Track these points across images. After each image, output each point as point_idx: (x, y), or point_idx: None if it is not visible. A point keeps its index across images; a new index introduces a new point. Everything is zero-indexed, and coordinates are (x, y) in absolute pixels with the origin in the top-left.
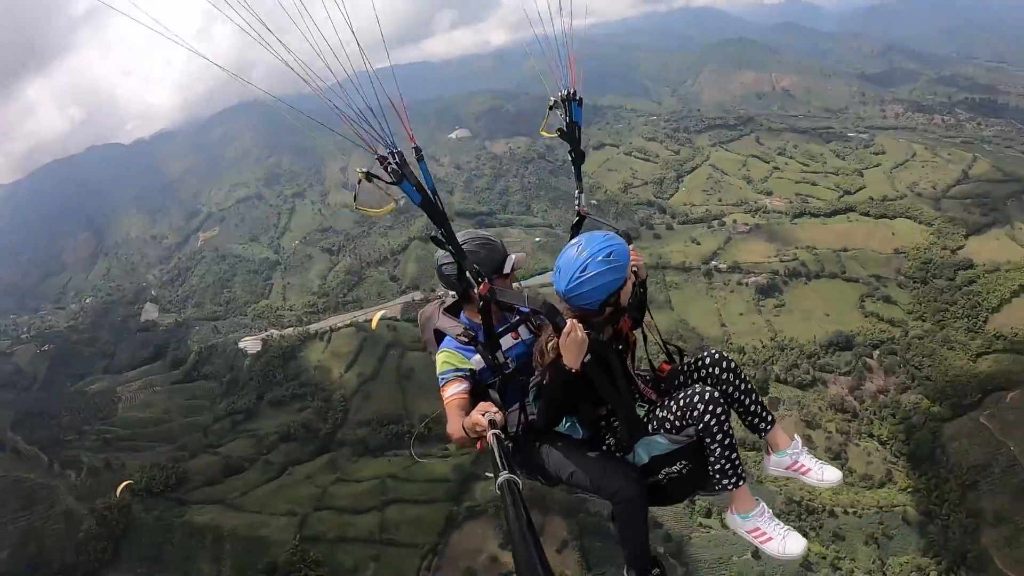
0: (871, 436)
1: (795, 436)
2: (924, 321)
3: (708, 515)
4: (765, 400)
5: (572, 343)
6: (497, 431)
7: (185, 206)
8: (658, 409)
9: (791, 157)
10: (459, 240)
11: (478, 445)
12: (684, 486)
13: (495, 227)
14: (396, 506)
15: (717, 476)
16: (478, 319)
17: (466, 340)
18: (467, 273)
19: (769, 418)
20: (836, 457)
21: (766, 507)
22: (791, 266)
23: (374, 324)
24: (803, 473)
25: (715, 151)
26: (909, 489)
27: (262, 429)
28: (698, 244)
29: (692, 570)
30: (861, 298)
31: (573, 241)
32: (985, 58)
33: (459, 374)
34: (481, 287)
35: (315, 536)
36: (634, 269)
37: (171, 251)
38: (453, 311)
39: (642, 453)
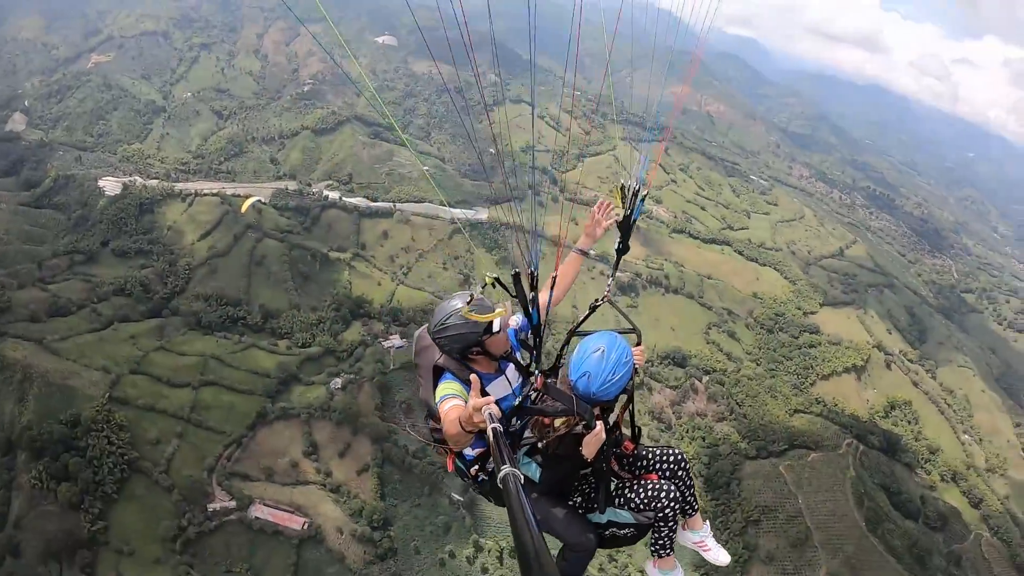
0: None
1: (706, 522)
2: (758, 365)
3: None
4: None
5: (597, 440)
6: (496, 425)
7: (88, 22)
8: (627, 490)
9: (691, 176)
10: (446, 317)
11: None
12: (619, 542)
13: (389, 143)
14: (213, 388)
15: (658, 546)
16: (480, 368)
17: (461, 385)
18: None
19: (696, 506)
20: None
21: (680, 568)
22: (655, 274)
23: (243, 208)
24: (705, 550)
25: (623, 144)
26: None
27: (99, 276)
28: (576, 224)
29: None
30: (709, 325)
31: (594, 346)
32: (899, 159)
33: (460, 402)
34: (537, 381)
35: (125, 399)
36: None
37: (58, 65)
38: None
39: (603, 517)
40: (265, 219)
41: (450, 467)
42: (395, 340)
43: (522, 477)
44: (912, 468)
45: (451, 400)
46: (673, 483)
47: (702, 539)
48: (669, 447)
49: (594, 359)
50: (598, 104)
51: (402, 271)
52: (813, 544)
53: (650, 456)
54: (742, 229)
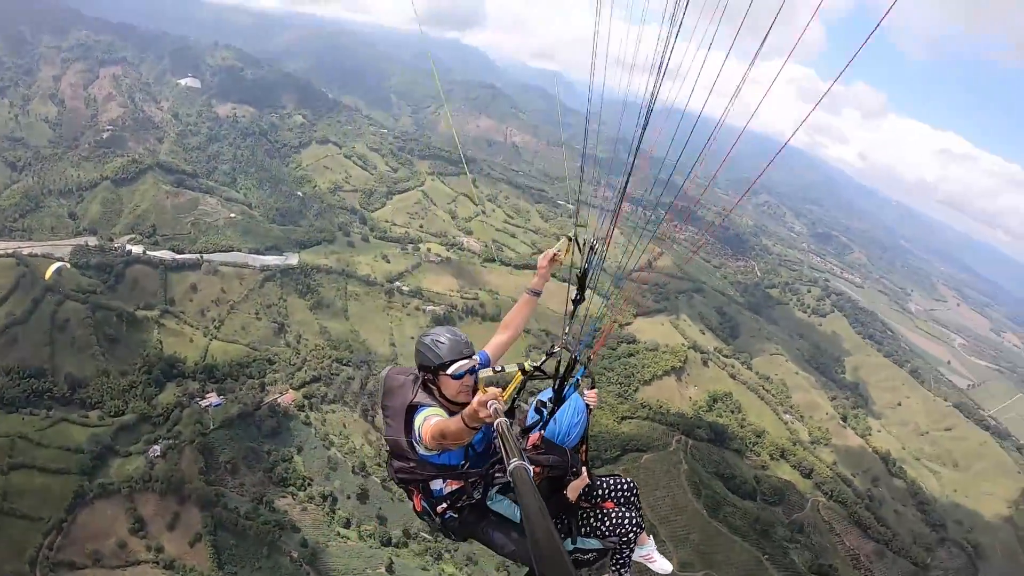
0: None
1: (650, 536)
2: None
3: (347, 525)
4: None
5: (581, 484)
6: (504, 419)
7: None
8: (592, 519)
9: (499, 206)
10: (444, 333)
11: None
12: (582, 565)
13: (194, 191)
14: (23, 471)
15: (619, 566)
16: (444, 403)
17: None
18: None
19: (643, 526)
20: None
21: None
22: (471, 304)
23: (47, 275)
24: (651, 562)
25: (431, 180)
26: None
27: None
28: (388, 262)
29: None
30: (530, 348)
31: (566, 405)
32: (700, 173)
33: (444, 415)
34: (534, 437)
35: None
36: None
37: None
38: (428, 390)
39: (571, 545)
40: (66, 280)
41: (418, 506)
42: (212, 398)
43: (531, 469)
44: (742, 453)
45: (434, 416)
46: (629, 508)
47: (648, 553)
48: (618, 475)
49: (566, 415)
50: (405, 141)
51: (214, 325)
52: (661, 539)
53: (604, 486)
54: None
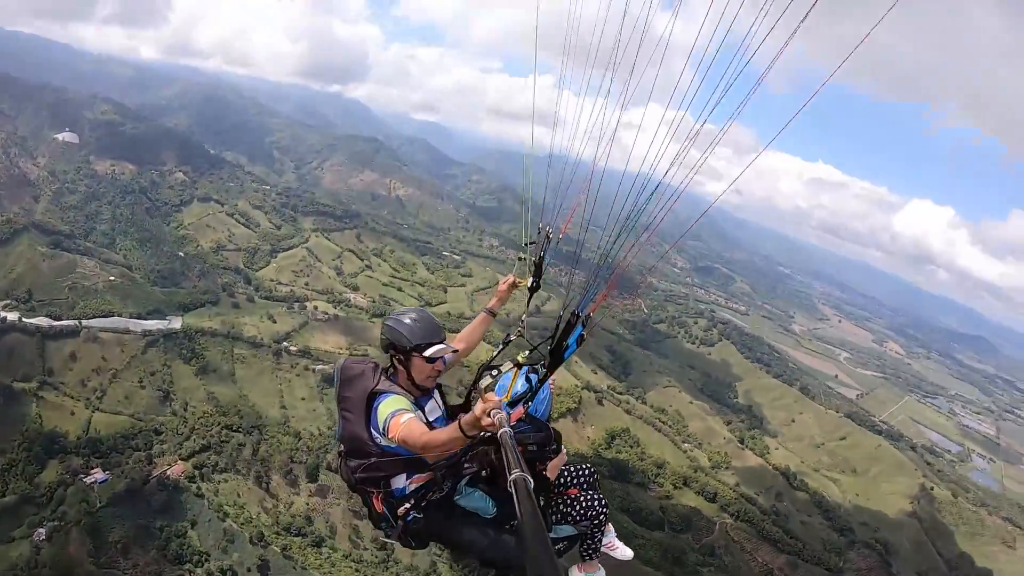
0: None
1: (609, 523)
2: None
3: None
4: None
5: (560, 463)
6: (508, 428)
7: None
8: (563, 505)
9: (385, 260)
10: (411, 312)
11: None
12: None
13: (72, 252)
14: None
15: (589, 551)
16: (410, 387)
17: (411, 403)
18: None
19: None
20: (382, 547)
21: (603, 570)
22: None
23: None
24: (612, 549)
25: (316, 236)
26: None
27: None
28: (274, 322)
29: None
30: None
31: (545, 386)
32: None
33: (413, 413)
34: (518, 411)
35: None
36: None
37: None
38: (391, 376)
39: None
40: None
41: (379, 507)
42: (97, 474)
43: (532, 482)
44: (644, 485)
45: (406, 413)
46: (596, 492)
47: (610, 540)
48: (580, 464)
49: (544, 395)
50: (289, 197)
51: (96, 396)
52: None
53: (566, 473)
54: (441, 304)
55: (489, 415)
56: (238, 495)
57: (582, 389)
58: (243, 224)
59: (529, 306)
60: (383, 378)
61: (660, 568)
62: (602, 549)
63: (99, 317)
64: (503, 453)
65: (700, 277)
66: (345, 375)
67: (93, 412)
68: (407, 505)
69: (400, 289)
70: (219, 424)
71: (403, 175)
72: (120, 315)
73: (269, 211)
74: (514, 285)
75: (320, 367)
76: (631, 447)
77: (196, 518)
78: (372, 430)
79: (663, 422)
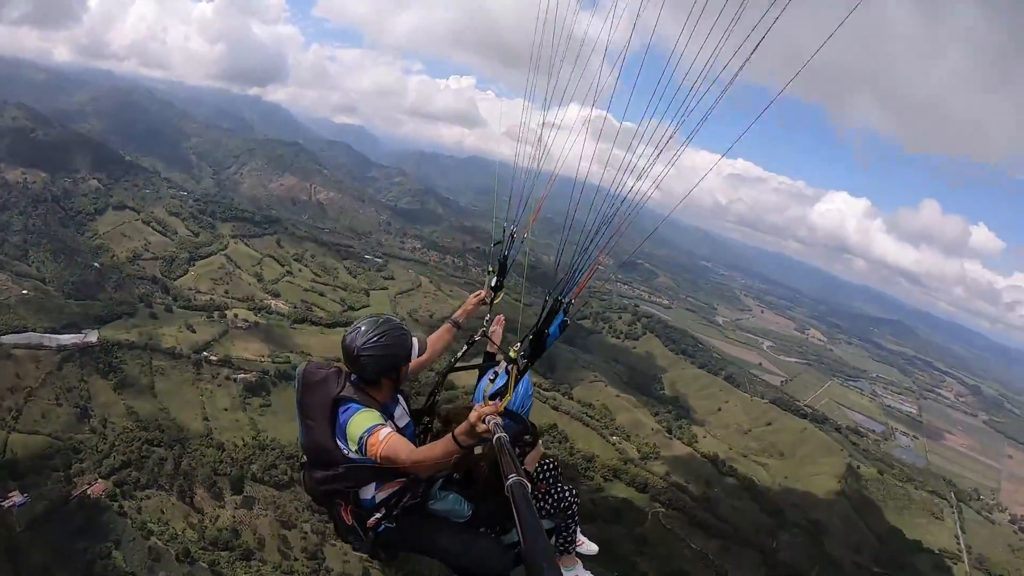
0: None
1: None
2: None
3: None
4: None
5: (538, 455)
6: (504, 434)
7: None
8: (536, 500)
9: (306, 265)
10: (387, 329)
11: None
12: None
13: None
14: None
15: (566, 543)
16: (381, 398)
17: (379, 413)
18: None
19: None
20: (313, 557)
21: (580, 562)
22: (283, 368)
23: None
24: (578, 545)
25: (235, 243)
26: None
27: None
28: (193, 332)
29: None
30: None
31: (523, 380)
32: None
33: (388, 426)
34: (499, 405)
35: None
36: None
37: None
38: (355, 382)
39: (515, 534)
40: None
41: (348, 520)
42: (16, 497)
43: (529, 487)
44: (575, 480)
45: (383, 428)
46: (563, 483)
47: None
48: (543, 458)
49: (524, 388)
50: (207, 203)
51: (11, 416)
52: None
53: (534, 469)
54: (363, 308)
55: (484, 421)
56: (162, 511)
57: None
58: (160, 232)
59: (493, 307)
60: (348, 384)
61: (594, 560)
62: None
63: (12, 333)
64: (499, 458)
65: (624, 273)
66: (306, 380)
67: (9, 433)
68: (378, 515)
69: (322, 294)
70: (139, 439)
71: (324, 179)
72: (34, 330)
73: (187, 218)
74: (483, 302)
75: (242, 376)
76: (559, 442)
77: (119, 538)
78: (339, 441)
79: (591, 416)
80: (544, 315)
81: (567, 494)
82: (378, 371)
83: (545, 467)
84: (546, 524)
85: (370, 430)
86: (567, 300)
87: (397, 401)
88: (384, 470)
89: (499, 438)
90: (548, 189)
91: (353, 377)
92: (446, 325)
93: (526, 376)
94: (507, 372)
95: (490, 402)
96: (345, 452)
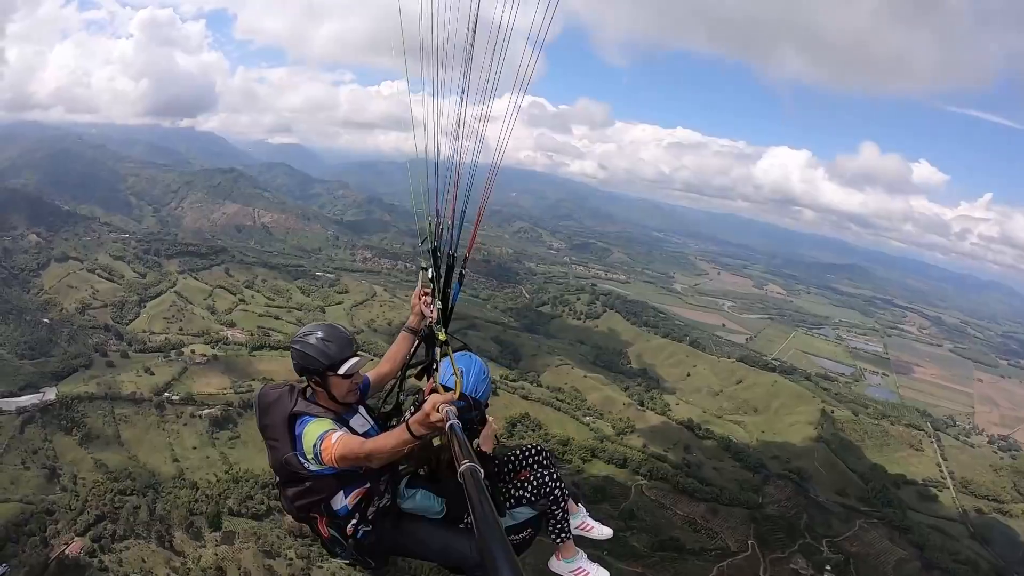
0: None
1: (579, 504)
2: None
3: None
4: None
5: (492, 432)
6: (455, 421)
7: None
8: (515, 489)
9: (258, 291)
10: (319, 330)
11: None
12: (520, 547)
13: None
14: None
15: (557, 531)
16: (332, 405)
17: (335, 420)
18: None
19: (569, 490)
20: None
21: (583, 552)
22: (246, 398)
23: None
24: (588, 530)
25: (183, 278)
26: None
27: None
28: (152, 374)
29: None
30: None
31: (471, 361)
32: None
33: (340, 430)
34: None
35: None
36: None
37: None
38: (309, 397)
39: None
40: None
41: (324, 533)
42: None
43: (482, 472)
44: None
45: (334, 432)
46: (546, 469)
47: (583, 522)
48: (525, 445)
49: (476, 369)
50: (150, 242)
51: None
52: None
53: (513, 458)
54: None
55: (438, 410)
56: (143, 560)
57: None
58: (106, 278)
59: (436, 296)
60: (300, 399)
61: (582, 543)
62: (578, 531)
63: None
64: (451, 446)
65: (577, 254)
66: (263, 403)
67: None
68: (353, 522)
69: (277, 318)
70: (111, 491)
71: (266, 202)
72: None
73: (132, 260)
74: (427, 294)
75: (206, 412)
76: (533, 431)
77: None
78: (300, 457)
79: (561, 400)
80: (445, 275)
81: (546, 478)
82: (299, 366)
83: (529, 454)
84: (527, 512)
85: (322, 437)
86: (460, 255)
87: (356, 411)
88: (347, 475)
89: (451, 425)
90: (490, 184)
91: (308, 392)
92: (402, 334)
93: (477, 360)
94: (445, 354)
95: (442, 394)
96: (306, 466)
